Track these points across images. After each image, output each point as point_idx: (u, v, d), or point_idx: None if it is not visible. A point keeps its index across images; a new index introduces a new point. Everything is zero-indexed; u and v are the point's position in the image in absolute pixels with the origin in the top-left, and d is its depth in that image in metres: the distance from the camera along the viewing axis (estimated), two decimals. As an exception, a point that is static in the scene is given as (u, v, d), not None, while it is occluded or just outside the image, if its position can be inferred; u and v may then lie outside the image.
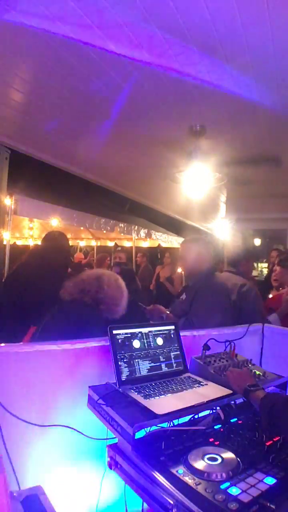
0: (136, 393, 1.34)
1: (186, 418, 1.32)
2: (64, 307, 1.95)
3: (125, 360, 1.45)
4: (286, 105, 2.97)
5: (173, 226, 9.58)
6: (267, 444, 1.17)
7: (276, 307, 2.86)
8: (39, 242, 4.81)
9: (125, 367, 1.44)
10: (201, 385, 1.47)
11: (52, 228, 6.21)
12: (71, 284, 2.01)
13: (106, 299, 1.93)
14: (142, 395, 1.33)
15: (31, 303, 2.54)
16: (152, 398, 1.31)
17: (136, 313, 2.39)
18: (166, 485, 0.99)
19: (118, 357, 1.44)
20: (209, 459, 1.08)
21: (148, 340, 1.56)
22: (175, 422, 1.26)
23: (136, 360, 1.48)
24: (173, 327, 1.67)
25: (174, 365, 1.59)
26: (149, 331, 1.58)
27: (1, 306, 2.81)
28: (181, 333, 1.68)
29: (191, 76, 2.54)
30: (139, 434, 1.16)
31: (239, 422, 1.35)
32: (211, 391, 1.42)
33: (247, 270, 3.44)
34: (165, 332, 1.63)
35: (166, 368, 1.56)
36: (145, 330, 1.57)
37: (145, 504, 1.07)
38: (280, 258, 3.52)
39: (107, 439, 1.31)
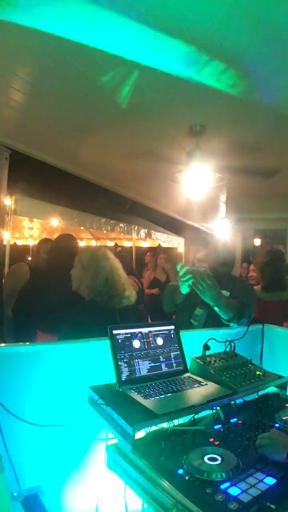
0: (136, 393, 1.34)
1: (186, 418, 1.32)
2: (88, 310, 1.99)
3: (125, 360, 1.45)
4: (286, 106, 2.97)
5: (173, 226, 9.56)
6: (267, 444, 1.17)
7: None
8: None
9: (125, 367, 1.44)
10: (201, 385, 1.47)
11: (52, 228, 6.21)
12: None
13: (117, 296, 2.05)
14: (142, 395, 1.33)
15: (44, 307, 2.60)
16: (152, 398, 1.31)
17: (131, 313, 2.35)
18: (166, 485, 0.99)
19: (118, 357, 1.44)
20: (209, 459, 1.08)
21: (148, 340, 1.56)
22: (175, 422, 1.26)
23: (136, 360, 1.48)
24: (173, 327, 1.67)
25: (174, 365, 1.59)
26: (149, 331, 1.58)
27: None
28: (181, 333, 1.69)
29: (191, 76, 2.54)
30: (139, 434, 1.16)
31: (239, 422, 1.35)
32: (211, 391, 1.42)
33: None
34: (165, 332, 1.63)
35: (166, 368, 1.56)
36: (145, 330, 1.57)
37: (145, 504, 1.07)
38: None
39: (107, 439, 1.32)
